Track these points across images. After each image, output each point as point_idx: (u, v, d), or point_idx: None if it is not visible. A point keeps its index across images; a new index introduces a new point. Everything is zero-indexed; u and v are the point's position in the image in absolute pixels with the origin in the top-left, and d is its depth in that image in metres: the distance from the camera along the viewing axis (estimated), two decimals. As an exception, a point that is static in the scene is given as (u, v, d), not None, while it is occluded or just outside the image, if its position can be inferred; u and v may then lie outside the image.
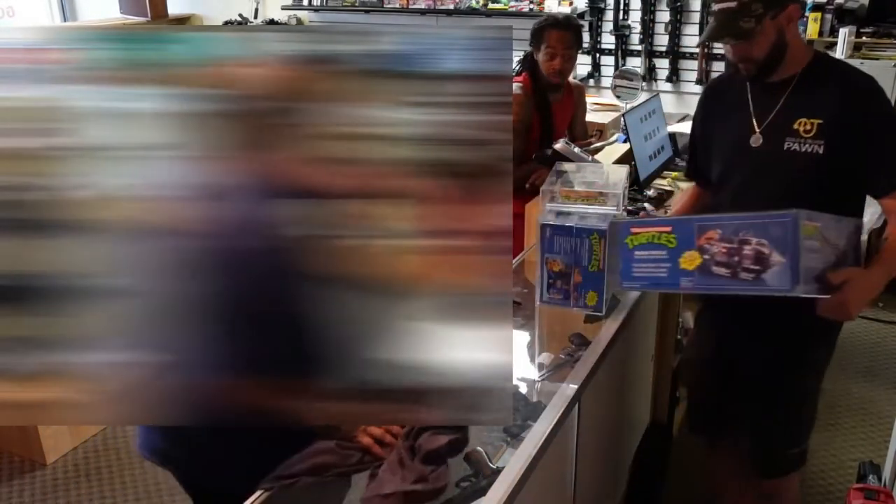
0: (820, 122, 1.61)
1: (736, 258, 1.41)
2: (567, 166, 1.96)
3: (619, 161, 2.58)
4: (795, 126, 1.63)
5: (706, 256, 1.45)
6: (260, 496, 1.23)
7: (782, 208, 1.39)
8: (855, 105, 1.60)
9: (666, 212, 2.45)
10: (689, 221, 1.50)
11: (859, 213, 1.68)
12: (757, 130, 1.69)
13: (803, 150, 1.62)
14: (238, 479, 1.26)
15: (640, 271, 1.54)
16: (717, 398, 1.95)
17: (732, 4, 1.59)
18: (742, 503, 2.10)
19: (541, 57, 2.72)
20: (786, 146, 1.64)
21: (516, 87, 2.71)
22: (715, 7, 1.63)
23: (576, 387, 1.50)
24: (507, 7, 4.93)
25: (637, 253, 1.54)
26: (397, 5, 5.20)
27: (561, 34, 2.68)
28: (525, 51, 2.81)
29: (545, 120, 2.78)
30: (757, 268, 1.39)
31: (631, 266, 1.56)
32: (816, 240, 1.41)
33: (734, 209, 1.61)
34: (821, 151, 1.61)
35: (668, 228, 1.50)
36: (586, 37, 4.50)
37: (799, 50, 1.66)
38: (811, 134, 1.61)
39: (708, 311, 2.00)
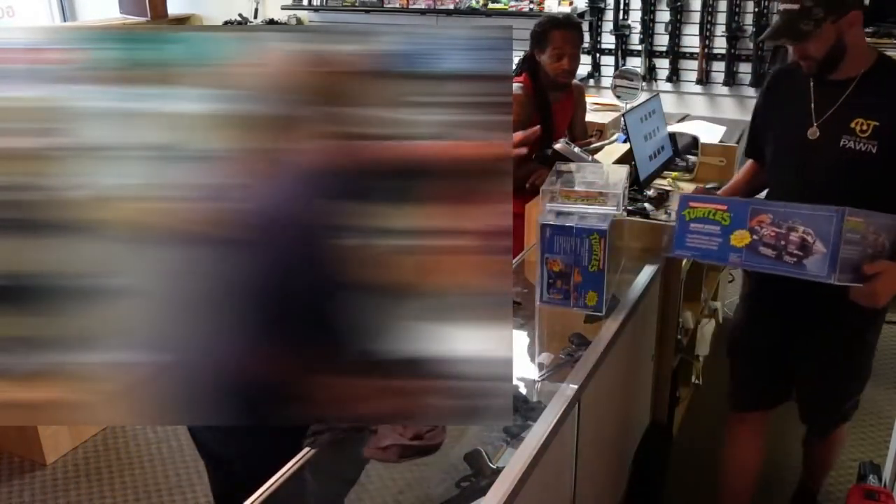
0: (876, 124, 1.69)
1: (782, 242, 1.56)
2: (567, 166, 1.96)
3: (619, 161, 2.58)
4: (852, 125, 1.71)
5: (755, 237, 1.59)
6: (275, 482, 1.25)
7: (830, 199, 1.54)
8: None
9: (666, 211, 2.46)
10: (746, 204, 1.63)
11: None
12: (815, 124, 1.77)
13: (857, 148, 1.71)
14: (245, 451, 1.29)
15: (693, 242, 1.68)
16: (769, 371, 2.06)
17: (795, 7, 1.68)
18: (753, 481, 2.24)
19: (546, 59, 2.70)
20: (841, 143, 1.73)
21: (516, 87, 2.71)
22: (780, 7, 1.73)
23: (576, 387, 1.50)
24: (507, 7, 4.93)
25: (692, 225, 1.67)
26: (397, 5, 5.20)
27: (566, 34, 2.67)
28: (525, 51, 2.81)
29: (545, 120, 2.78)
30: (800, 254, 1.54)
31: (685, 236, 1.68)
32: (859, 233, 1.55)
33: (782, 193, 1.81)
34: (874, 151, 1.69)
35: (724, 207, 1.64)
36: (586, 37, 4.51)
37: (862, 52, 1.74)
38: (867, 134, 1.70)
39: (761, 289, 2.05)
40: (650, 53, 4.63)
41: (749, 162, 2.13)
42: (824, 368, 1.97)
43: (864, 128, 1.70)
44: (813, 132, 1.77)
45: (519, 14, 4.86)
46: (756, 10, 4.28)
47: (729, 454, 2.23)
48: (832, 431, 2.16)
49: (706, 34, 4.45)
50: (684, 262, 2.25)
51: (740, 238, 1.62)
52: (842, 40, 1.69)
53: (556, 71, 2.70)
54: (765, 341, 2.04)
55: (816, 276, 1.53)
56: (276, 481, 1.27)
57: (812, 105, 1.79)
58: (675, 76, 4.62)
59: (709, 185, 2.81)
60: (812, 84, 1.80)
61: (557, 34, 2.66)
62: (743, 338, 2.13)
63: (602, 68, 4.82)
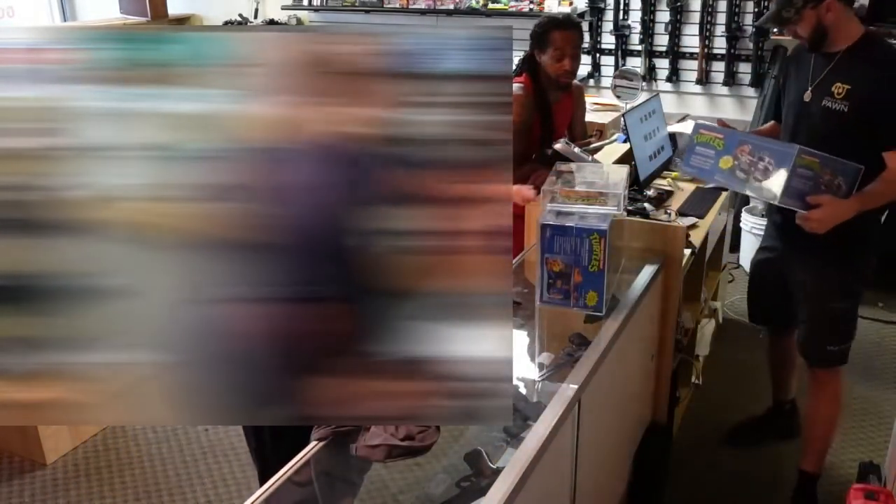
0: (849, 87, 2.04)
1: (752, 168, 2.02)
2: (567, 166, 1.96)
3: (619, 161, 2.58)
4: (833, 89, 2.07)
5: (736, 162, 2.06)
6: (272, 485, 1.25)
7: (814, 148, 1.98)
8: (879, 76, 2.02)
9: (666, 211, 2.46)
10: (735, 135, 2.12)
11: (878, 162, 2.03)
12: (809, 88, 2.14)
13: (833, 107, 2.07)
14: None
15: (695, 162, 2.15)
16: (775, 298, 2.46)
17: None
18: (790, 383, 2.70)
19: (547, 59, 2.69)
20: (823, 103, 2.09)
21: (517, 87, 2.71)
22: None
23: (576, 387, 1.50)
24: (507, 7, 4.92)
25: (698, 148, 2.14)
26: (397, 5, 5.20)
27: (567, 34, 2.66)
28: (525, 51, 2.81)
29: (546, 120, 2.78)
30: (762, 178, 2.01)
31: (691, 156, 2.16)
32: (812, 171, 1.97)
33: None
34: (845, 110, 2.04)
35: (722, 136, 2.11)
36: (586, 37, 4.50)
37: (847, 30, 2.08)
38: (841, 96, 2.05)
39: (773, 227, 2.45)
40: (650, 53, 4.63)
41: (771, 122, 2.51)
42: (808, 300, 2.32)
43: (840, 91, 2.05)
44: (808, 95, 2.14)
45: (519, 14, 4.85)
46: (756, 10, 4.28)
47: (771, 361, 2.74)
48: (817, 365, 2.37)
49: (706, 34, 4.45)
50: (684, 261, 2.26)
51: (725, 162, 2.06)
52: (822, 23, 2.04)
53: (557, 72, 2.69)
54: (766, 268, 2.47)
55: (767, 196, 2.00)
56: (275, 482, 1.27)
57: (810, 73, 2.15)
58: (674, 76, 4.62)
59: (709, 186, 2.81)
60: (813, 57, 2.15)
61: (558, 35, 2.66)
62: (754, 265, 2.61)
63: (602, 68, 4.82)
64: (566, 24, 2.70)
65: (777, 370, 2.72)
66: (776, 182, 1.96)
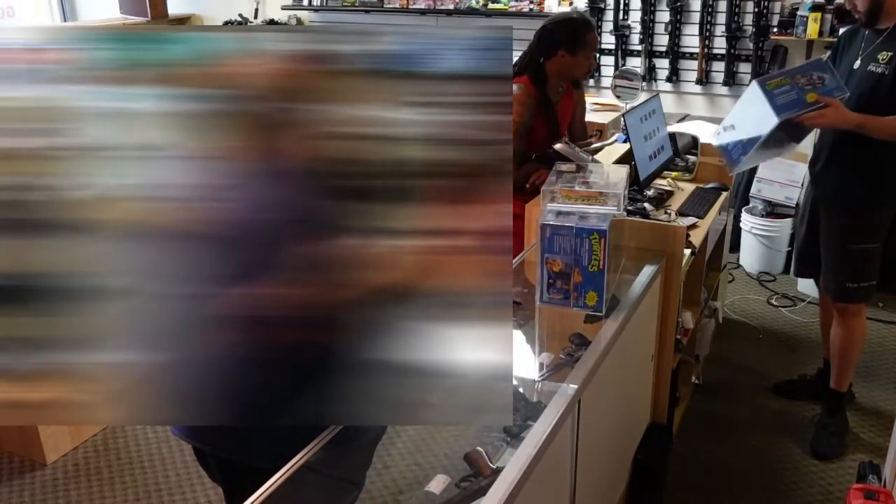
0: (891, 54, 2.42)
1: (812, 86, 2.35)
2: (567, 166, 1.96)
3: (619, 161, 2.58)
4: (879, 56, 2.45)
5: (806, 87, 2.37)
6: (272, 485, 1.24)
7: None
8: None
9: (666, 211, 2.46)
10: (786, 71, 2.43)
11: None
12: (859, 57, 2.52)
13: (877, 71, 2.45)
14: (265, 455, 1.28)
15: (781, 101, 2.31)
16: (809, 247, 2.77)
17: None
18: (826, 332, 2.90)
19: (579, 60, 2.80)
20: (869, 68, 2.48)
21: (517, 87, 2.71)
22: None
23: (576, 387, 1.50)
24: (507, 7, 4.92)
25: (776, 91, 2.33)
26: (397, 5, 5.20)
27: (595, 34, 2.88)
28: (521, 50, 2.81)
29: (551, 120, 2.78)
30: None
31: (776, 100, 2.32)
32: (786, 84, 2.33)
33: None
34: (886, 73, 2.42)
35: (783, 76, 2.38)
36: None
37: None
38: (884, 61, 2.43)
39: (810, 180, 2.80)
40: (650, 53, 4.63)
41: None
42: (826, 241, 2.65)
43: (884, 57, 2.42)
44: (857, 63, 2.52)
45: (519, 14, 4.85)
46: (756, 10, 4.28)
47: (821, 307, 3.01)
48: (838, 300, 2.67)
49: (706, 34, 4.45)
50: (684, 261, 2.26)
51: (810, 96, 2.31)
52: None
53: (587, 70, 2.87)
54: (802, 221, 2.83)
55: (770, 121, 2.30)
56: (274, 482, 1.27)
57: (861, 46, 2.53)
58: (675, 76, 4.62)
59: (709, 186, 2.82)
60: (865, 33, 2.52)
61: (592, 37, 2.81)
62: (797, 224, 2.95)
63: (602, 68, 4.82)
64: (593, 25, 2.89)
65: (826, 329, 2.91)
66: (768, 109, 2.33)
